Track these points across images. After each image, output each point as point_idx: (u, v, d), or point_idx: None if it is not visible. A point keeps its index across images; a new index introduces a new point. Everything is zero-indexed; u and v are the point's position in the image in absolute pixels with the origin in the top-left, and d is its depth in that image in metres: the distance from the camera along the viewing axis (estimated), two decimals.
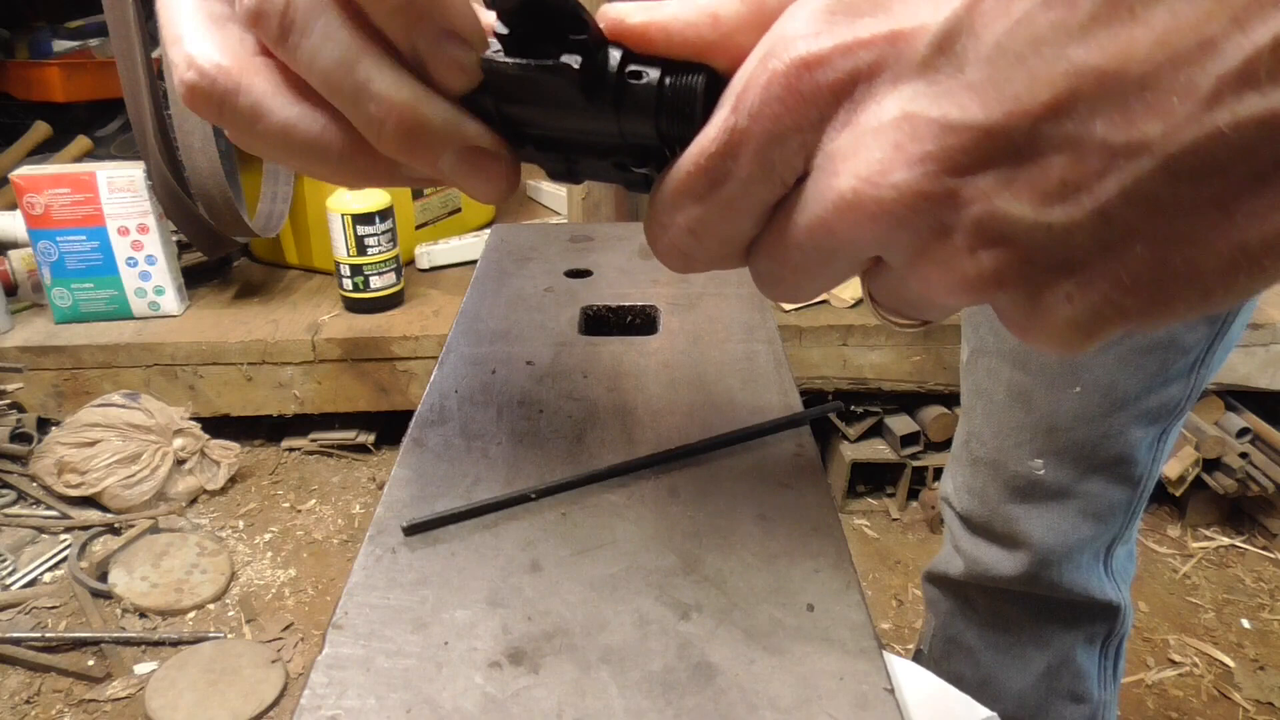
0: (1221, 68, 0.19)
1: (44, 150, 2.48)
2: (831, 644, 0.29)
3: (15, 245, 1.96)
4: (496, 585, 0.32)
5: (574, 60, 0.27)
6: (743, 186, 0.27)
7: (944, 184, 0.23)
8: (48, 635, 1.41)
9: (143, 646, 1.43)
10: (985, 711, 0.73)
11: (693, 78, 0.28)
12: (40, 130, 2.47)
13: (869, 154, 0.24)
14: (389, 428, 1.97)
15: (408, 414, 0.43)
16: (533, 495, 0.37)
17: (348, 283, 1.85)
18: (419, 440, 0.41)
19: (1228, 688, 1.42)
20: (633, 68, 0.28)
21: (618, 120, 0.29)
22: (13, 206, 1.93)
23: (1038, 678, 0.87)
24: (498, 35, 0.29)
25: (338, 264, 1.84)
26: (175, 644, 1.42)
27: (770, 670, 0.28)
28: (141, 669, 1.38)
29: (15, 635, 1.40)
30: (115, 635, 1.42)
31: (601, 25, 0.29)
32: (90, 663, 1.39)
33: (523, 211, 2.46)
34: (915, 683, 0.80)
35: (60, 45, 2.71)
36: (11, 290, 1.93)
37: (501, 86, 0.29)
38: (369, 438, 1.95)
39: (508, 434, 0.42)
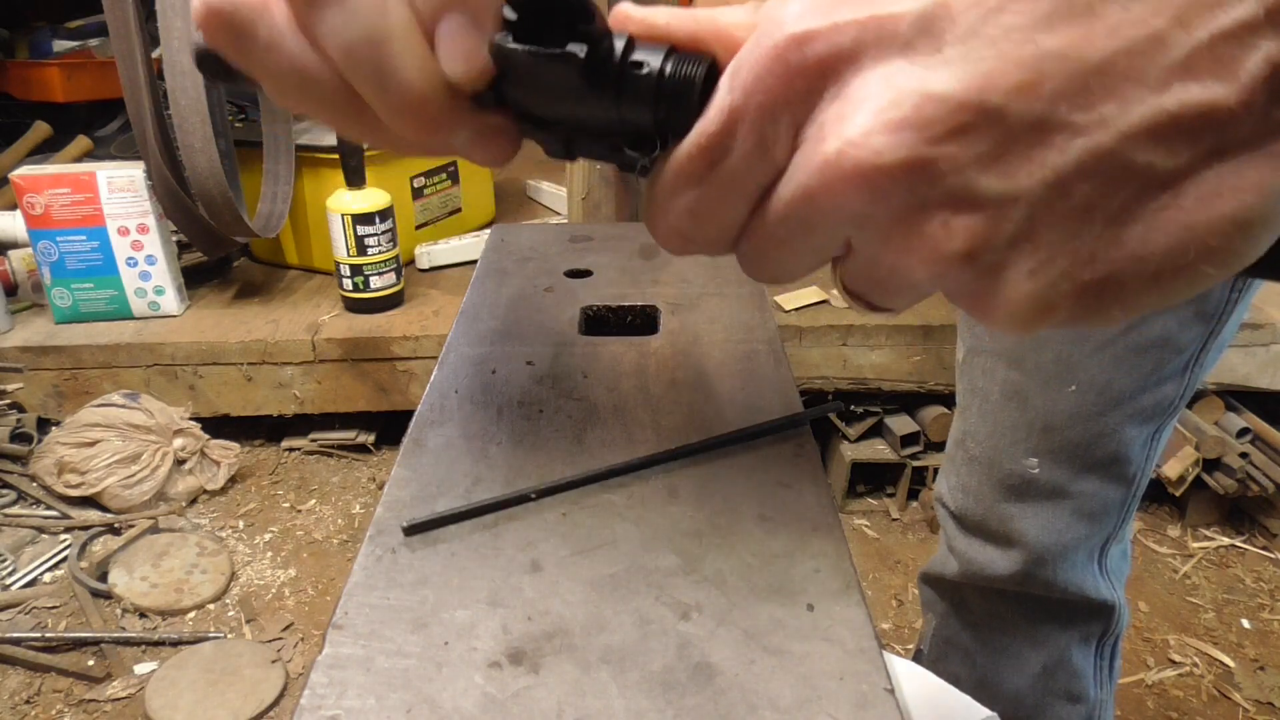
0: (1168, 60, 0.22)
1: (44, 150, 2.48)
2: (831, 644, 0.29)
3: (15, 245, 1.96)
4: (496, 585, 0.32)
5: (579, 49, 0.28)
6: (740, 164, 0.28)
7: (921, 150, 0.24)
8: (48, 635, 1.41)
9: (143, 646, 1.43)
10: (985, 712, 0.73)
11: (693, 68, 0.29)
12: (40, 130, 2.47)
13: (853, 120, 0.25)
14: (389, 428, 1.97)
15: (408, 414, 0.43)
16: (533, 495, 0.37)
17: (348, 283, 1.85)
18: (419, 440, 0.41)
19: (1228, 688, 1.42)
20: (635, 57, 0.29)
21: (618, 106, 0.29)
22: (13, 206, 1.93)
23: (1034, 678, 0.87)
24: (506, 21, 0.29)
25: (338, 264, 1.84)
26: (175, 644, 1.42)
27: (770, 670, 0.28)
28: (141, 669, 1.38)
29: (15, 635, 1.40)
30: (115, 635, 1.42)
31: (610, 18, 0.30)
32: (90, 663, 1.39)
33: (523, 211, 2.46)
34: (915, 683, 0.80)
35: (60, 45, 2.71)
36: (11, 290, 1.93)
37: (508, 70, 0.30)
38: (369, 438, 1.95)
39: (508, 434, 0.42)
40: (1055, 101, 0.23)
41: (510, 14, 0.29)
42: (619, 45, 0.29)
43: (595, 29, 0.29)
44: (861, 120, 0.25)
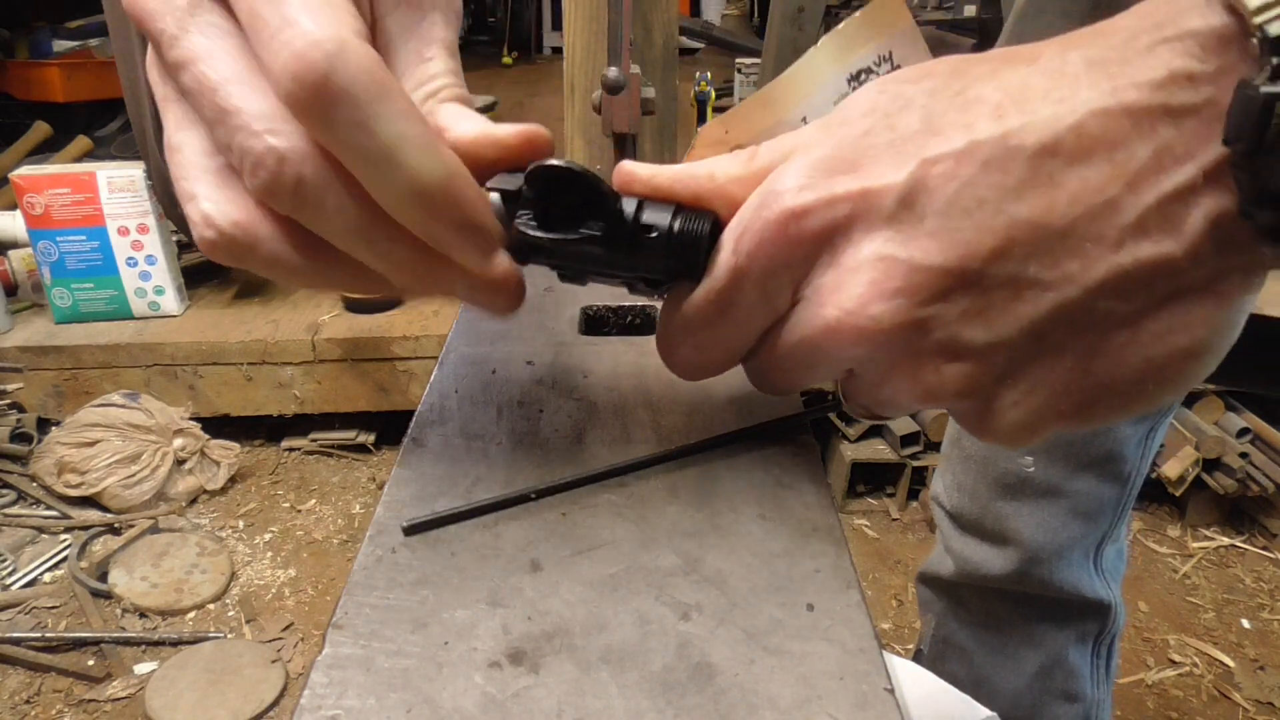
0: (1122, 221, 0.25)
1: (44, 150, 2.48)
2: (831, 644, 0.29)
3: (15, 245, 1.96)
4: (496, 585, 0.32)
5: (596, 229, 0.32)
6: (743, 313, 0.31)
7: (913, 314, 0.27)
8: (48, 635, 1.41)
9: (143, 646, 1.43)
10: (985, 711, 0.73)
11: (698, 225, 0.32)
12: (40, 130, 2.47)
13: (850, 289, 0.28)
14: (389, 428, 1.97)
15: (408, 414, 0.43)
16: (533, 495, 0.37)
17: None
18: (419, 440, 0.41)
19: (1228, 688, 1.42)
20: (645, 219, 0.32)
21: (632, 261, 0.33)
22: (13, 206, 1.93)
23: (1031, 677, 0.87)
24: (524, 196, 0.32)
25: None
26: (175, 644, 1.42)
27: (770, 670, 0.28)
28: (141, 669, 1.38)
29: (15, 635, 1.40)
30: (115, 635, 1.42)
31: (615, 177, 0.33)
32: (90, 663, 1.39)
33: None
34: (915, 683, 0.80)
35: (60, 45, 2.71)
36: (11, 290, 1.93)
37: (530, 249, 0.33)
38: (369, 438, 1.95)
39: (508, 434, 0.42)
40: (1026, 262, 0.26)
41: (528, 190, 0.32)
42: (629, 208, 0.32)
43: (608, 202, 0.32)
44: (857, 290, 0.28)
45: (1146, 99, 0.24)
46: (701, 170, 0.33)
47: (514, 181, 0.33)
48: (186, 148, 0.31)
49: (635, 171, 0.33)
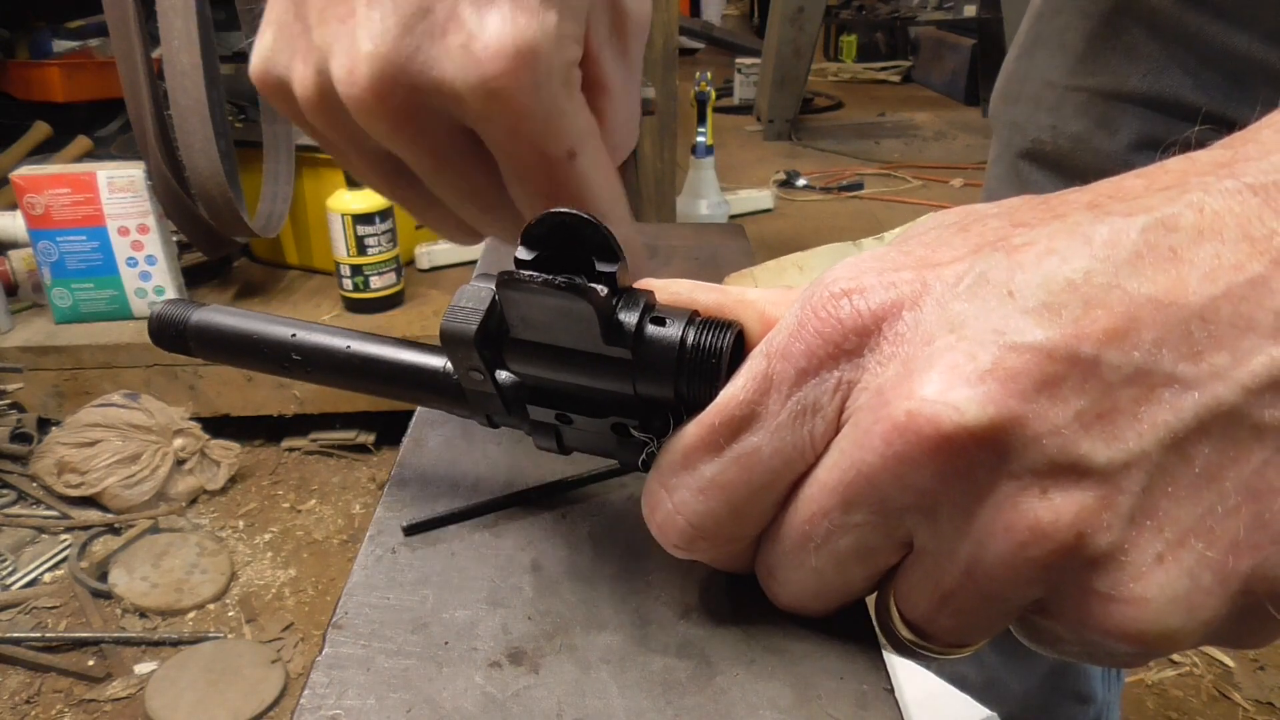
0: (1277, 304, 0.20)
1: (44, 150, 2.47)
2: (831, 644, 0.29)
3: (15, 245, 1.96)
4: (496, 585, 0.32)
5: (600, 289, 0.25)
6: (768, 441, 0.24)
7: (1009, 408, 0.21)
8: (48, 635, 1.41)
9: (143, 646, 1.43)
10: (985, 711, 0.73)
11: (720, 334, 0.26)
12: (40, 130, 2.47)
13: (923, 376, 0.22)
14: (389, 428, 1.97)
15: (408, 414, 0.43)
16: (533, 495, 0.37)
17: (348, 283, 1.85)
18: (419, 440, 0.41)
19: (1228, 688, 1.42)
20: (658, 314, 0.26)
21: (633, 370, 0.27)
22: (13, 206, 1.93)
23: (1042, 678, 0.86)
24: (519, 261, 0.27)
25: (338, 264, 1.84)
26: (175, 644, 1.42)
27: (770, 670, 0.28)
28: (141, 669, 1.38)
29: (15, 635, 1.40)
30: (115, 635, 1.42)
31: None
32: (90, 663, 1.39)
33: None
34: (915, 683, 0.80)
35: (60, 45, 2.71)
36: (11, 290, 1.92)
37: (514, 308, 0.27)
38: (369, 438, 1.95)
39: (508, 434, 0.42)
40: (1157, 351, 0.20)
41: (525, 254, 0.26)
42: (639, 301, 0.27)
43: (617, 275, 0.26)
44: (935, 375, 0.21)
45: (1273, 178, 0.20)
46: (730, 287, 0.28)
47: (475, 316, 0.28)
48: None
49: (652, 282, 0.28)
